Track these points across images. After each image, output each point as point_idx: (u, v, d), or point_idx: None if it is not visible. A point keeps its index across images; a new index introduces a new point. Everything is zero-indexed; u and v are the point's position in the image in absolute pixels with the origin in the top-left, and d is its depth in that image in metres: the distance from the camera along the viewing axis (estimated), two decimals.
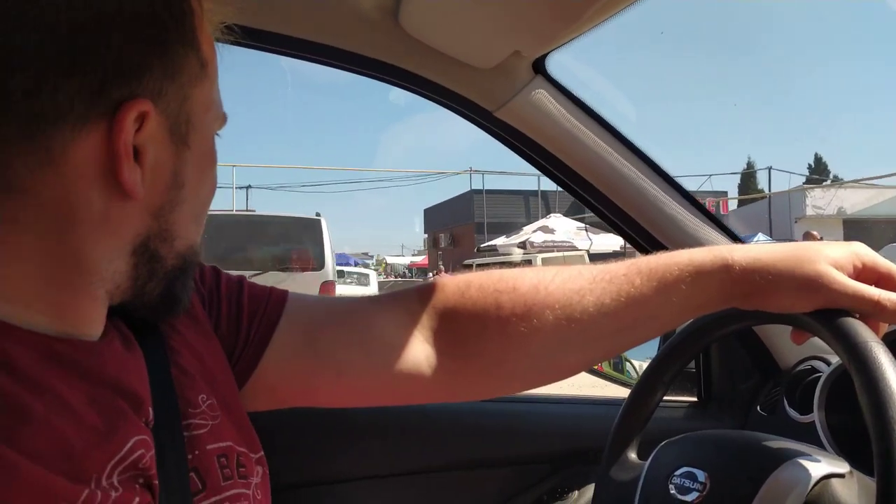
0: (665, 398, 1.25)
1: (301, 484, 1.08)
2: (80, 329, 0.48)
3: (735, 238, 1.09)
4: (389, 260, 30.84)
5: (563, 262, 13.64)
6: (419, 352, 0.68)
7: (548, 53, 0.98)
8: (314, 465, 1.10)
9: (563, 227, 17.47)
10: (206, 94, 0.51)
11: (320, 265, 6.90)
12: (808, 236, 9.69)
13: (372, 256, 34.95)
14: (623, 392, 1.18)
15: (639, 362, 1.52)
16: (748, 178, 28.38)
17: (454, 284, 0.70)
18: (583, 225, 17.86)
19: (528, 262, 14.04)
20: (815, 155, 38.28)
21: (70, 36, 0.42)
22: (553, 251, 15.21)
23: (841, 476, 0.60)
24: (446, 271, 19.93)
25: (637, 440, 0.79)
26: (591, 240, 16.70)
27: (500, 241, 18.32)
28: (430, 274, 24.44)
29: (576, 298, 0.65)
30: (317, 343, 0.67)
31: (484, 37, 0.92)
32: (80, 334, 0.48)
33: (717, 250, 0.64)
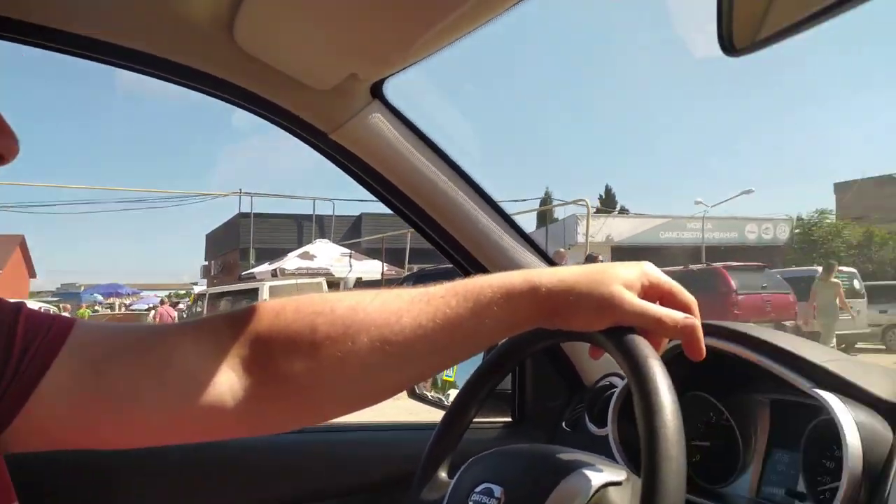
0: (484, 419, 1.28)
1: None
2: None
3: (550, 261, 1.17)
4: (196, 290, 29.44)
5: (295, 290, 13.49)
6: (223, 382, 0.63)
7: (385, 78, 0.99)
8: None
9: (326, 254, 17.46)
10: None
11: None
12: (590, 259, 10.57)
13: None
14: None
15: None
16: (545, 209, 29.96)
17: (270, 307, 0.68)
18: (347, 251, 18.02)
19: (255, 291, 13.75)
20: (606, 186, 39.97)
21: None
22: (294, 278, 15.08)
23: (618, 483, 0.65)
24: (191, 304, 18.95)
25: (448, 460, 0.79)
26: (351, 266, 16.95)
27: (260, 268, 18.04)
28: (160, 301, 22.97)
29: (393, 319, 0.65)
30: (104, 375, 0.61)
31: (320, 57, 0.91)
32: None
33: (527, 273, 0.68)
